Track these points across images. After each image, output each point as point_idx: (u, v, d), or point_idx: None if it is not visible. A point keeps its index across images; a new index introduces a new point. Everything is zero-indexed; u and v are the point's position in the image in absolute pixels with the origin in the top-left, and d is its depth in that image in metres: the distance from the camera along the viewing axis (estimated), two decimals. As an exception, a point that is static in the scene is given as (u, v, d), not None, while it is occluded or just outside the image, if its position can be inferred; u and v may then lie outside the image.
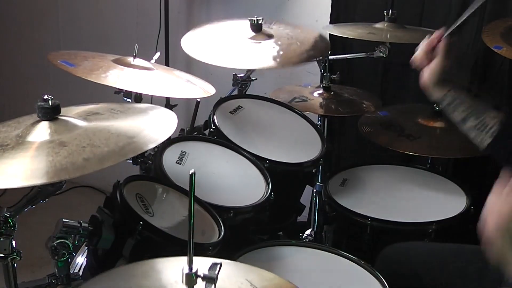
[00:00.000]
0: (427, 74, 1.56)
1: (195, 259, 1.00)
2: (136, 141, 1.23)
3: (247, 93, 2.28)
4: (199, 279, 1.00)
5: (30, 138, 1.22)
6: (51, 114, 1.26)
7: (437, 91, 1.55)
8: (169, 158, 1.76)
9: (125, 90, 1.88)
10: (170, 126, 1.35)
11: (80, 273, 1.55)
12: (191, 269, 0.99)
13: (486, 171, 2.28)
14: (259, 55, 2.08)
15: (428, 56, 1.57)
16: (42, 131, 1.23)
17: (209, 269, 1.01)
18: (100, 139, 1.21)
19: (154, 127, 1.36)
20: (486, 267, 1.57)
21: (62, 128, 1.24)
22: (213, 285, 1.00)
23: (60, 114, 1.28)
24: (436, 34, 1.58)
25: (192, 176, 0.95)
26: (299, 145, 2.05)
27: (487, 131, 1.47)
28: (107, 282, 1.11)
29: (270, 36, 2.16)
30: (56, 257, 1.32)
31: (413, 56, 1.61)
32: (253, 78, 2.29)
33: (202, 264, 1.01)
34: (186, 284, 1.00)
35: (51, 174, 1.09)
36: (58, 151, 1.16)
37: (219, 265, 1.01)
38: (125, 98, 1.91)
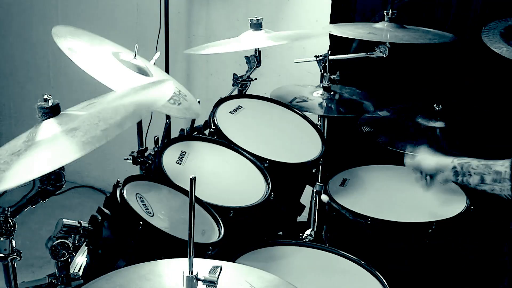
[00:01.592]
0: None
1: (196, 261, 1.00)
2: (144, 102, 1.29)
3: (247, 93, 2.28)
4: (199, 282, 1.00)
5: (39, 137, 1.23)
6: (51, 114, 1.26)
7: (447, 170, 1.62)
8: (169, 158, 1.76)
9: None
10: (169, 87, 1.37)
11: (80, 273, 1.55)
12: (192, 272, 0.99)
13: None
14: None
15: None
16: (47, 127, 1.24)
17: (210, 272, 1.01)
18: (108, 113, 1.24)
19: (155, 90, 1.39)
20: (484, 267, 1.58)
21: (66, 119, 1.26)
22: None
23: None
24: None
25: (193, 181, 0.95)
26: (299, 145, 2.05)
27: (504, 179, 1.50)
28: (107, 285, 1.10)
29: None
30: (56, 257, 1.32)
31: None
32: (253, 78, 2.29)
33: (202, 266, 1.01)
34: (187, 287, 1.00)
35: (77, 150, 1.11)
36: (73, 134, 1.18)
37: (219, 268, 1.01)
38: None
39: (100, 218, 1.42)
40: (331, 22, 2.63)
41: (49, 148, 1.17)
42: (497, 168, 1.51)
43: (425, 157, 1.67)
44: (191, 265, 0.99)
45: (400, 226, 1.84)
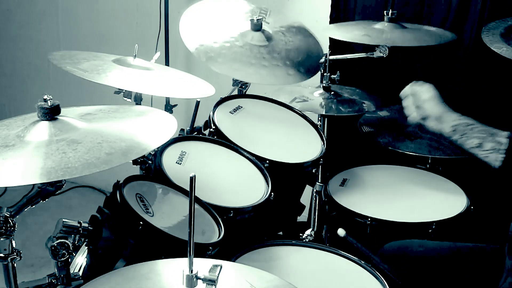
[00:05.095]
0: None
1: (196, 260, 1.00)
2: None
3: (247, 93, 2.28)
4: (199, 281, 1.00)
5: (35, 137, 1.23)
6: (51, 114, 1.26)
7: (447, 123, 1.59)
8: (169, 158, 1.76)
9: (125, 90, 1.88)
10: (170, 126, 1.36)
11: (80, 273, 1.55)
12: (192, 271, 0.99)
13: (486, 171, 2.28)
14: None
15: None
16: (44, 131, 1.24)
17: (210, 271, 1.01)
18: (112, 136, 1.24)
19: (155, 126, 1.37)
20: (482, 267, 1.58)
21: (66, 127, 1.25)
22: (214, 287, 1.00)
23: (60, 115, 1.28)
24: None
25: (192, 179, 0.95)
26: (299, 145, 2.05)
27: (502, 150, 1.49)
28: (107, 284, 1.10)
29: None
30: (56, 257, 1.32)
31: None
32: (253, 78, 2.29)
33: (202, 265, 1.01)
34: (187, 286, 1.00)
35: (81, 169, 1.13)
36: (74, 147, 1.18)
37: (219, 267, 1.01)
38: (125, 98, 1.91)
39: (100, 218, 1.42)
40: (331, 22, 2.64)
41: (48, 157, 1.16)
42: (500, 139, 1.50)
43: (433, 100, 1.65)
44: (191, 263, 0.99)
45: (400, 226, 1.84)
